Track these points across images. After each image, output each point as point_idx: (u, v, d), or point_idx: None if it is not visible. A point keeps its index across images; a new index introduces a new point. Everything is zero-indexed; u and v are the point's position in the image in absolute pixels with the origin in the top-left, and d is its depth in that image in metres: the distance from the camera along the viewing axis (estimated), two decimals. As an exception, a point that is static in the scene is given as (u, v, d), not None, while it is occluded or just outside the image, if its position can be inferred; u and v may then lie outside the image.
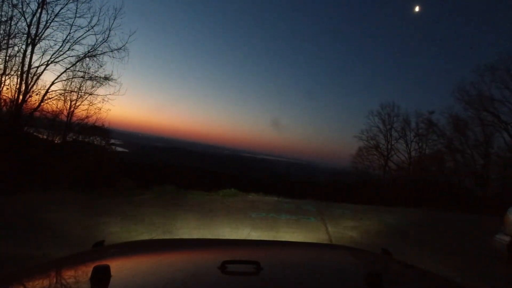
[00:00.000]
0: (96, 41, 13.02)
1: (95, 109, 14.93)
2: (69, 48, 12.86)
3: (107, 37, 12.99)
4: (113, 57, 13.51)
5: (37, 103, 13.00)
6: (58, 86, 13.98)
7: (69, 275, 0.97)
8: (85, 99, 14.94)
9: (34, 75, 12.88)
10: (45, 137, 15.27)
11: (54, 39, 12.32)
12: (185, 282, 0.87)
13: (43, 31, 12.44)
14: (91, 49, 13.05)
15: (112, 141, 20.66)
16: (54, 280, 0.93)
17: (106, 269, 0.81)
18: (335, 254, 1.48)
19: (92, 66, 13.65)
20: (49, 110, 14.00)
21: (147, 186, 12.40)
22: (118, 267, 0.95)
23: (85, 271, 0.87)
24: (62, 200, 8.01)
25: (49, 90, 13.17)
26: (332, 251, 1.63)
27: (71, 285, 0.86)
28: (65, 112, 14.97)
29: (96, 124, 16.47)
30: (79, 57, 13.15)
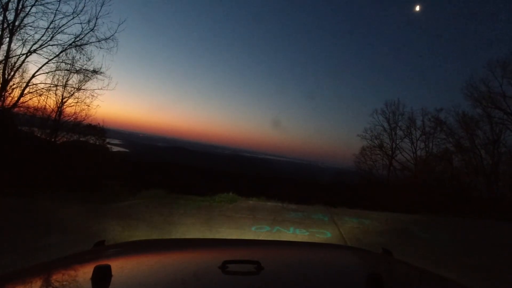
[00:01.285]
0: (82, 30, 11.51)
1: (84, 105, 13.45)
2: (51, 37, 11.34)
3: (94, 26, 11.46)
4: (101, 48, 11.99)
5: (16, 98, 11.54)
6: (42, 80, 12.50)
7: (70, 274, 0.93)
8: (73, 94, 13.45)
9: (13, 67, 11.36)
10: (36, 136, 13.78)
11: (36, 26, 10.86)
12: (185, 281, 0.84)
13: (23, 17, 10.94)
14: (76, 38, 11.54)
15: (108, 140, 19.13)
16: (55, 280, 0.89)
17: (107, 268, 0.79)
18: (335, 254, 1.41)
19: (80, 58, 12.16)
20: (34, 107, 12.50)
21: (138, 189, 10.92)
22: (119, 266, 0.90)
23: (86, 271, 0.85)
24: (31, 209, 6.47)
25: (30, 84, 11.67)
26: (333, 251, 1.51)
27: (72, 285, 0.84)
28: (55, 109, 13.53)
29: (91, 123, 15.03)
30: (63, 47, 11.68)
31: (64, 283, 0.86)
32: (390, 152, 22.80)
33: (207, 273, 0.90)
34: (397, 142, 22.70)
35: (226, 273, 0.86)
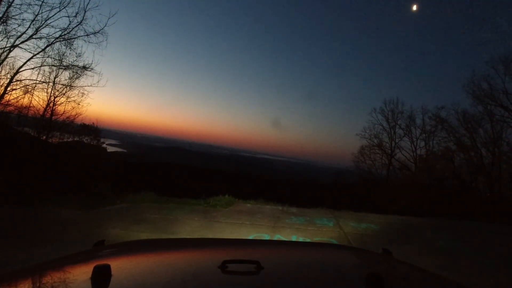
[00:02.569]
0: (70, 24, 10.71)
1: (75, 103, 12.66)
2: (36, 30, 10.53)
3: (82, 19, 10.63)
4: (89, 42, 11.14)
5: None
6: (31, 77, 11.66)
7: (69, 274, 0.90)
8: (64, 92, 12.62)
9: (-6, 63, 10.54)
10: (26, 136, 12.97)
11: (22, 19, 10.05)
12: (185, 281, 0.81)
13: (6, 9, 10.13)
14: (63, 32, 10.74)
15: (103, 140, 18.28)
16: (55, 279, 0.87)
17: (107, 268, 0.77)
18: (335, 253, 1.37)
19: (69, 54, 11.37)
20: (20, 105, 11.68)
21: (129, 191, 10.16)
22: (119, 266, 0.89)
23: (86, 271, 0.82)
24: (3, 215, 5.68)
25: (14, 80, 10.86)
26: (332, 250, 1.48)
27: (71, 284, 0.80)
28: (47, 108, 12.71)
29: (85, 122, 14.23)
30: (49, 41, 10.87)
31: (64, 282, 0.83)
32: (390, 151, 22.21)
33: (206, 273, 0.87)
34: (397, 141, 22.10)
35: (226, 273, 0.84)
